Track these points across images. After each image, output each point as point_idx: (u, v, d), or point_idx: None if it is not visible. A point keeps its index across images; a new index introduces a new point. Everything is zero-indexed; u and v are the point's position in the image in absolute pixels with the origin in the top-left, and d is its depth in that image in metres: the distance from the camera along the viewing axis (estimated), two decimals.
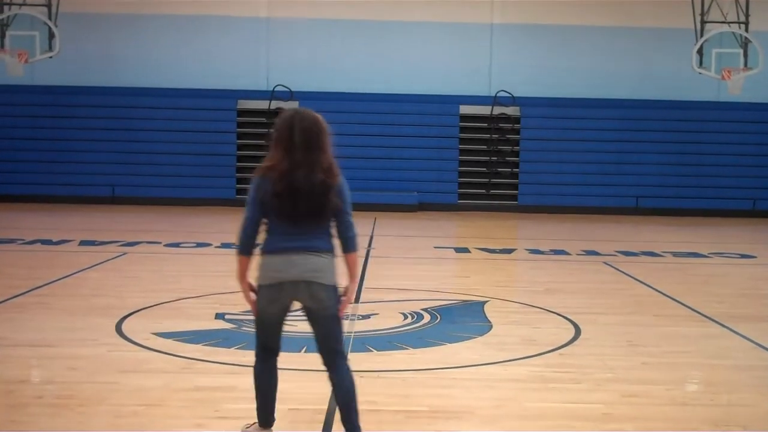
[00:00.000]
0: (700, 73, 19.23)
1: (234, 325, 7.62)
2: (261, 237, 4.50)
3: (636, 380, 6.16)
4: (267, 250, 4.44)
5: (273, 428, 4.78)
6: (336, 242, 4.54)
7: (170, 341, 6.96)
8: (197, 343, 6.92)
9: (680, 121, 21.31)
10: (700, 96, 21.15)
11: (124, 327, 7.41)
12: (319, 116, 4.46)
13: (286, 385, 5.80)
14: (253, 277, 4.49)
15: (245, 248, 4.48)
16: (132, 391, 5.61)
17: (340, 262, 4.53)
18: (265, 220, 4.46)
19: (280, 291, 4.41)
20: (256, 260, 4.50)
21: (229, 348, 6.80)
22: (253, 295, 4.51)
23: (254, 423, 4.80)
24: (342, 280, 4.52)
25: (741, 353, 7.20)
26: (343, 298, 4.53)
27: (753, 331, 7.81)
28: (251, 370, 6.11)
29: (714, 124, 21.37)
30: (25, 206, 19.40)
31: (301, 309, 4.52)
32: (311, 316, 4.49)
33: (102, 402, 5.36)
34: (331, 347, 4.53)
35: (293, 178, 4.33)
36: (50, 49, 18.92)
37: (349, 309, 4.73)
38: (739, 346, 7.39)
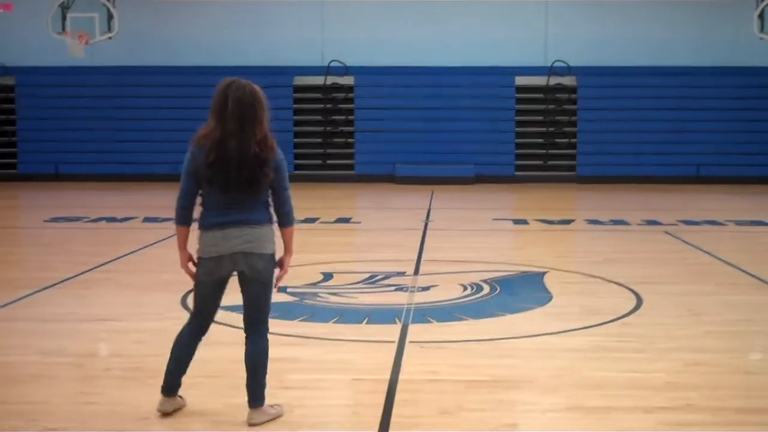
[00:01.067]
0: (761, 38, 18.78)
1: (296, 298, 7.71)
2: (198, 210, 4.58)
3: (699, 349, 6.11)
4: (204, 225, 4.53)
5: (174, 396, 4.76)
6: (272, 213, 4.59)
7: (233, 314, 7.04)
8: None
9: (740, 87, 20.84)
10: (761, 62, 20.65)
11: (188, 300, 7.55)
12: (257, 87, 4.51)
13: (348, 356, 5.90)
14: (193, 249, 4.60)
15: (182, 219, 4.56)
16: (196, 362, 5.65)
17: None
18: (200, 192, 4.52)
19: (219, 263, 4.50)
20: (195, 233, 4.59)
21: (292, 320, 6.88)
22: (191, 266, 4.62)
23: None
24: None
25: None
26: (278, 270, 4.64)
27: None
28: (314, 341, 6.25)
29: None
30: (89, 185, 19.78)
31: (237, 276, 4.58)
32: (244, 281, 4.57)
33: None
34: (256, 315, 4.65)
35: (225, 148, 4.35)
36: (109, 30, 19.19)
37: (284, 281, 4.81)
38: None
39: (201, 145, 4.42)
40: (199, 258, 4.57)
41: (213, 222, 4.48)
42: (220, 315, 6.96)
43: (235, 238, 4.46)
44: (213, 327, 6.59)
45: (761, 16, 18.66)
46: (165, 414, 4.70)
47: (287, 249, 4.67)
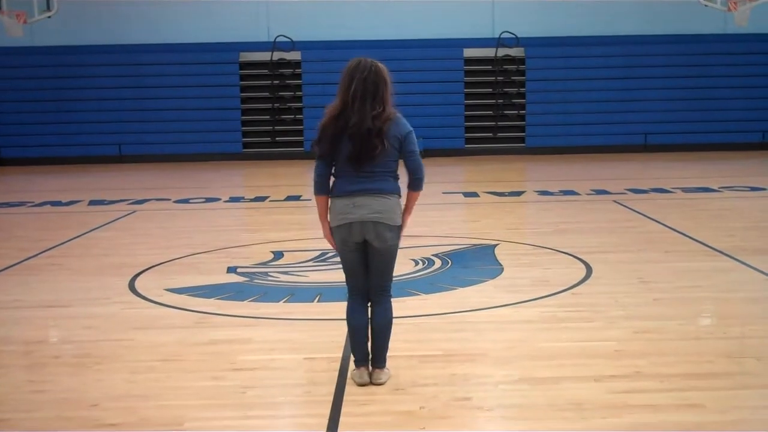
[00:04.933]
0: (705, 6, 18.98)
1: (246, 278, 7.65)
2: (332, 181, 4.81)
3: (648, 316, 6.18)
4: (335, 194, 4.78)
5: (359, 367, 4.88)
6: (402, 183, 4.80)
7: (183, 296, 7.00)
8: (210, 297, 6.96)
9: (686, 55, 21.06)
10: (706, 30, 20.89)
11: (137, 284, 7.46)
12: (381, 66, 4.76)
13: (300, 335, 5.87)
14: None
15: (319, 189, 4.80)
16: (148, 347, 5.65)
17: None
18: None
19: (350, 230, 4.72)
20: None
21: (243, 301, 6.84)
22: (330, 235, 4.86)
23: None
24: None
25: (753, 286, 7.21)
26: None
27: (765, 263, 7.80)
28: (265, 321, 6.21)
29: (720, 57, 21.11)
30: (32, 169, 19.43)
31: (366, 243, 4.77)
32: (373, 252, 4.77)
33: (118, 359, 5.41)
34: (380, 283, 4.83)
35: (347, 124, 4.61)
36: (48, 8, 18.79)
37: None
38: (751, 279, 7.40)
39: (328, 122, 4.69)
40: (332, 228, 4.81)
41: (343, 190, 4.73)
42: (170, 297, 6.93)
43: (365, 207, 4.70)
44: (166, 310, 6.58)
45: None
46: (362, 384, 4.81)
47: (408, 209, 4.90)
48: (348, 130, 4.62)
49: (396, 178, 4.80)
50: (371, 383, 4.81)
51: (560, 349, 5.44)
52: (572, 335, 5.74)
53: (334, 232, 4.81)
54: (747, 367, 5.11)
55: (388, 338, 4.89)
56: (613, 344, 5.51)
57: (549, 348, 5.47)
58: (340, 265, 4.93)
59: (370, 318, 4.88)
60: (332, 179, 4.80)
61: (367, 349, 4.90)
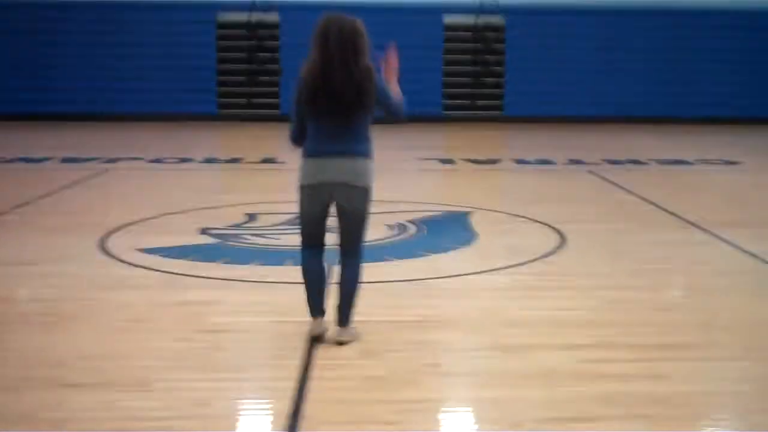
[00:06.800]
0: None
1: (218, 240, 7.59)
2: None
3: (620, 287, 6.20)
4: (307, 153, 4.70)
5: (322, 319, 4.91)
6: (373, 146, 4.77)
7: (154, 257, 6.92)
8: (181, 258, 6.89)
9: (665, 28, 21.02)
10: (686, 3, 20.80)
11: (107, 244, 7.37)
12: (357, 20, 4.66)
13: (270, 298, 5.83)
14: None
15: (297, 144, 4.79)
16: (116, 307, 5.58)
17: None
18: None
19: (319, 190, 4.67)
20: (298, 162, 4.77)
21: (214, 262, 6.77)
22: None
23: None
24: None
25: (723, 258, 7.24)
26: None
27: (736, 236, 7.82)
28: (236, 284, 6.16)
29: (700, 30, 21.04)
30: (3, 124, 19.13)
31: (335, 206, 4.75)
32: (342, 213, 4.74)
33: (85, 319, 5.34)
34: (348, 245, 4.82)
35: (328, 78, 4.51)
36: None
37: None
38: (722, 252, 7.42)
39: (305, 77, 4.58)
40: (300, 186, 4.75)
41: (316, 150, 4.66)
42: (140, 258, 6.85)
43: (336, 168, 4.63)
44: (136, 270, 6.50)
45: None
46: (315, 336, 4.84)
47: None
48: (329, 87, 4.51)
49: (368, 139, 4.75)
50: (336, 342, 4.79)
51: (532, 317, 5.43)
52: (544, 304, 5.74)
53: (302, 190, 4.75)
54: (716, 338, 5.13)
55: (353, 298, 4.86)
56: (584, 313, 5.51)
57: (520, 316, 5.47)
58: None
59: (340, 276, 4.87)
60: (307, 135, 4.74)
61: (323, 300, 4.88)
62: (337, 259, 4.93)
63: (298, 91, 4.65)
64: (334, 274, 5.40)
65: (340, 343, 4.80)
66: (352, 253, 4.84)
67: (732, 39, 21.08)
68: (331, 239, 4.96)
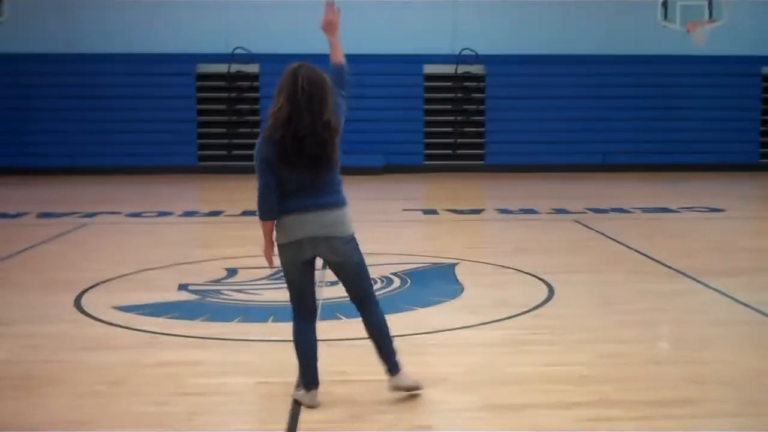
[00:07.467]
0: (664, 26, 19.08)
1: (198, 296, 7.39)
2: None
3: (612, 340, 6.04)
4: (282, 211, 4.54)
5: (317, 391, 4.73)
6: (347, 195, 4.69)
7: (132, 315, 6.72)
8: (160, 315, 6.69)
9: (646, 75, 21.15)
10: (665, 50, 20.96)
11: (84, 302, 7.15)
12: (324, 72, 4.60)
13: (253, 357, 5.63)
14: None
15: (267, 215, 4.55)
16: (93, 369, 5.37)
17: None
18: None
19: (300, 248, 4.53)
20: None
21: (193, 320, 6.57)
22: (275, 256, 4.64)
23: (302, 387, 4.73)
24: None
25: (715, 308, 7.11)
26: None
27: (726, 285, 7.70)
28: (217, 342, 5.96)
29: (680, 77, 21.23)
30: None
31: (325, 264, 4.66)
32: (336, 268, 4.67)
33: (62, 382, 5.12)
34: (362, 293, 4.71)
35: (295, 124, 4.41)
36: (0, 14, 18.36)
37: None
38: (713, 301, 7.30)
39: (270, 134, 4.47)
40: (279, 246, 4.60)
41: (291, 207, 4.53)
42: (117, 316, 6.64)
43: (315, 222, 4.52)
44: (113, 330, 6.29)
45: (665, 4, 18.94)
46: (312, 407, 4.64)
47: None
48: (300, 133, 4.41)
49: (341, 188, 4.67)
50: (404, 391, 4.72)
51: (523, 374, 5.26)
52: (535, 359, 5.57)
53: (282, 251, 4.60)
54: (712, 393, 4.98)
55: (392, 341, 4.76)
56: (577, 369, 5.34)
57: (512, 373, 5.29)
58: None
59: (366, 326, 4.76)
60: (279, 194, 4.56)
61: (317, 371, 4.70)
62: (360, 314, 4.81)
63: (261, 150, 4.49)
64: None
65: (409, 390, 4.72)
66: (367, 301, 4.74)
67: (713, 86, 21.23)
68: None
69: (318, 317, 4.92)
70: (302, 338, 4.71)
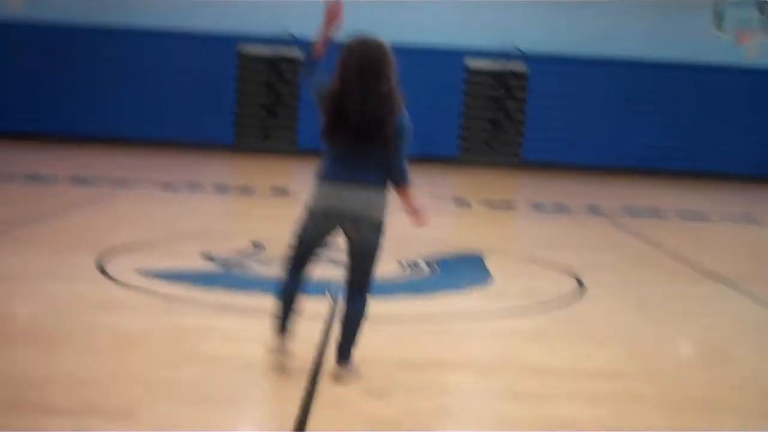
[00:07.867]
0: (715, 35, 18.70)
1: (221, 266, 7.28)
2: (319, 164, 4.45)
3: (641, 337, 5.85)
4: (320, 176, 4.41)
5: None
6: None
7: (153, 279, 6.62)
8: (181, 282, 6.58)
9: (690, 84, 20.81)
10: (712, 60, 20.58)
11: (107, 265, 7.07)
12: (384, 42, 4.37)
13: (269, 329, 5.49)
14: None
15: (306, 83, 4.51)
16: (108, 330, 5.27)
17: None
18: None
19: (326, 219, 4.38)
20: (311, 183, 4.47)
21: (213, 288, 6.46)
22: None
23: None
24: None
25: (748, 313, 6.90)
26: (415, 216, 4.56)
27: (761, 291, 7.48)
28: (234, 312, 5.85)
29: (724, 87, 20.87)
30: (20, 143, 18.99)
31: (345, 238, 4.46)
32: (351, 246, 4.45)
33: (75, 341, 5.02)
34: (358, 282, 4.50)
35: (345, 102, 4.26)
36: None
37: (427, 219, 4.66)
38: (747, 307, 7.09)
39: (323, 100, 4.36)
40: (307, 208, 4.45)
41: (330, 175, 4.38)
42: (138, 279, 6.54)
43: (348, 198, 4.34)
44: (133, 293, 6.20)
45: (717, 12, 18.56)
46: (277, 352, 4.59)
47: (409, 206, 4.55)
48: (344, 114, 4.26)
49: (394, 172, 4.41)
50: (334, 379, 4.49)
51: (549, 364, 5.09)
52: (563, 351, 5.39)
53: (308, 214, 4.43)
54: (741, 396, 4.78)
55: (356, 334, 4.55)
56: (605, 364, 5.17)
57: (538, 363, 5.12)
58: (323, 260, 4.58)
59: (345, 311, 4.55)
60: (324, 159, 4.44)
61: (293, 320, 4.58)
62: (342, 294, 4.63)
63: (321, 114, 4.39)
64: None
65: (339, 381, 4.48)
66: (360, 289, 4.52)
67: (751, 97, 20.86)
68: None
69: (340, 296, 4.79)
70: (289, 285, 4.54)
